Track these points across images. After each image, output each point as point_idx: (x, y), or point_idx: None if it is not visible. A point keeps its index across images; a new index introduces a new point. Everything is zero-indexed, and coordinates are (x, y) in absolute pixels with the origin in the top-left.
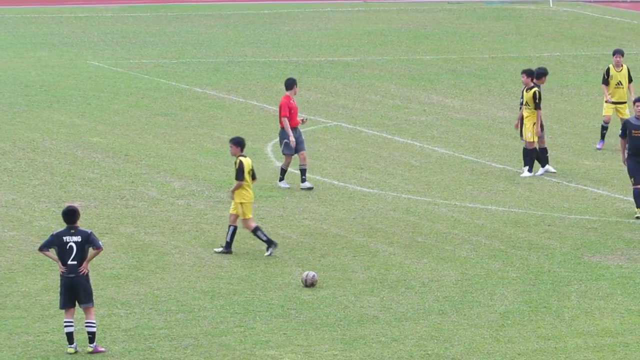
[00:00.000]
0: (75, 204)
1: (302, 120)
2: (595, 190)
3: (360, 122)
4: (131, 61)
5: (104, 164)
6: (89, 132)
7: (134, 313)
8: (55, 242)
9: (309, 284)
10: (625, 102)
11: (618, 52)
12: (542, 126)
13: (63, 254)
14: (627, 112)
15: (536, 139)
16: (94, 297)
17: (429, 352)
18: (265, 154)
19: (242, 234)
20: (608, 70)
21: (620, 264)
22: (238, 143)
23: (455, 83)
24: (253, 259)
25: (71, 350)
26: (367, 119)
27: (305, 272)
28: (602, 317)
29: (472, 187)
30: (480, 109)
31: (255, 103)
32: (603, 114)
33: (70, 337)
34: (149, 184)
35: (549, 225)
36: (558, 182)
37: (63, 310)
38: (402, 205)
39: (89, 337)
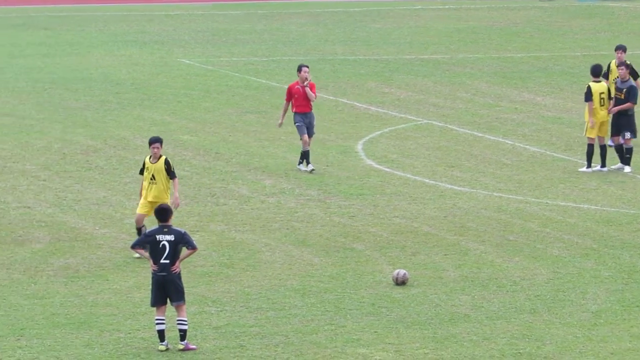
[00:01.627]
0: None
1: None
2: None
3: (451, 120)
4: (222, 59)
5: (194, 162)
6: (180, 130)
7: (224, 311)
8: (147, 241)
9: (400, 282)
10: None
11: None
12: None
13: (155, 252)
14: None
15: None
16: (185, 295)
17: (521, 351)
18: (356, 151)
19: (333, 232)
20: (608, 66)
21: None
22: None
23: (547, 81)
24: (344, 257)
25: (162, 347)
26: (458, 116)
27: (396, 271)
28: None
29: (564, 186)
30: (572, 107)
31: (345, 101)
32: None
33: (161, 334)
34: (239, 181)
35: None
36: None
37: (154, 308)
38: (493, 204)
39: (180, 335)
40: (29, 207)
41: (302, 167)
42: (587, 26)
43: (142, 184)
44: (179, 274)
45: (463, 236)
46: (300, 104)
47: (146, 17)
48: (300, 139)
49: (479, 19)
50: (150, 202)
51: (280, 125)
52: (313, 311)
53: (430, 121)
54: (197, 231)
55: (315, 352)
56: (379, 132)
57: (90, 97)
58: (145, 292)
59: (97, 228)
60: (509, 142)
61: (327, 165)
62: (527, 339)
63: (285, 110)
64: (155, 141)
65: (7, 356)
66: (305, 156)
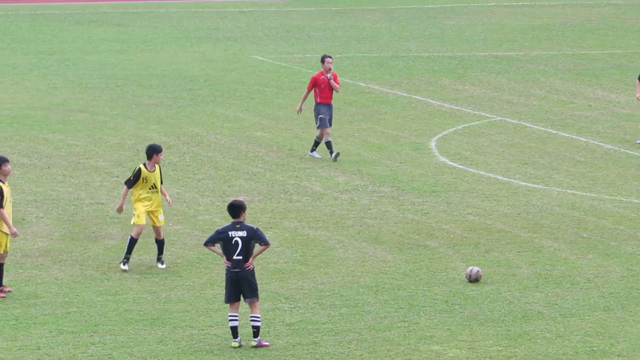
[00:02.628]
0: (240, 198)
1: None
2: None
3: (524, 117)
4: (295, 55)
5: (267, 158)
6: (253, 127)
7: (298, 307)
8: (220, 237)
9: (474, 280)
10: None
11: None
12: None
13: (228, 249)
14: None
15: None
16: (258, 292)
17: (594, 349)
18: (430, 148)
19: (407, 229)
20: None
21: None
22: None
23: (621, 78)
24: (417, 254)
25: (235, 344)
26: (531, 114)
27: (470, 268)
28: None
29: (638, 183)
30: None
31: (419, 98)
32: None
33: (234, 331)
34: (312, 178)
35: None
36: None
37: (228, 305)
38: (567, 201)
39: (254, 332)
40: (102, 204)
41: (316, 154)
42: None
43: (127, 192)
44: (253, 270)
45: (536, 233)
46: (325, 95)
47: (219, 14)
48: (318, 129)
49: (553, 16)
50: (151, 212)
51: (300, 111)
52: (386, 308)
53: (504, 118)
54: (270, 228)
55: (388, 349)
56: (452, 129)
57: (164, 93)
58: (219, 288)
59: (170, 224)
60: (583, 139)
61: (401, 162)
62: (600, 337)
63: (305, 98)
64: (161, 149)
65: (80, 352)
66: (329, 146)
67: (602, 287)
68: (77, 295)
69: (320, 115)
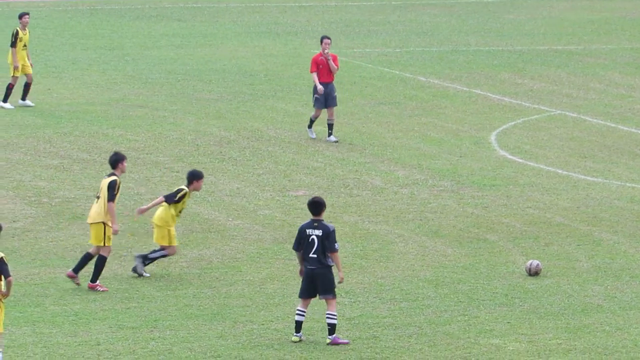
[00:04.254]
0: (300, 193)
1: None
2: None
3: (584, 111)
4: (355, 50)
5: (328, 153)
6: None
7: (358, 302)
8: (301, 236)
9: (533, 273)
10: None
11: None
12: None
13: (305, 246)
14: None
15: None
16: (335, 290)
17: None
18: (490, 142)
19: (467, 223)
20: None
21: None
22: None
23: None
24: (477, 247)
25: (296, 339)
26: (591, 107)
27: (530, 261)
28: None
29: None
30: None
31: (479, 92)
32: None
33: (298, 325)
34: (372, 172)
35: None
36: None
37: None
38: (626, 194)
39: (329, 329)
40: None
41: (312, 133)
42: None
43: (169, 214)
44: (330, 268)
45: (596, 227)
46: (323, 74)
47: (279, 9)
48: (317, 110)
49: (613, 9)
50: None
51: (322, 91)
52: (446, 302)
53: (563, 112)
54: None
55: (448, 342)
56: (512, 123)
57: (224, 88)
58: (279, 283)
59: (230, 219)
60: None
61: (460, 156)
62: None
63: (316, 79)
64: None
65: (140, 348)
66: (330, 127)
67: None
68: (137, 291)
69: (316, 96)
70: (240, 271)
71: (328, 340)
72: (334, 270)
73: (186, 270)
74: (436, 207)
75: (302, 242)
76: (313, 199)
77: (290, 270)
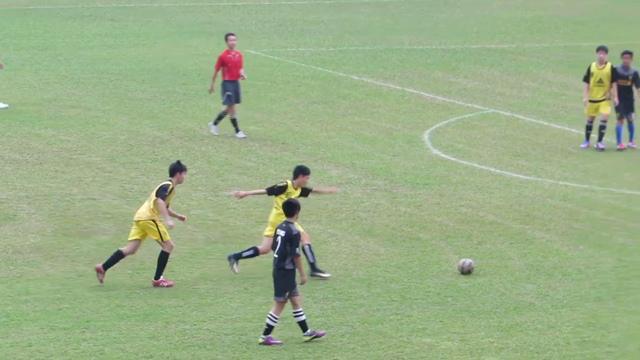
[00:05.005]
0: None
1: (242, 76)
2: None
3: (517, 109)
4: (288, 49)
5: (261, 152)
6: (246, 121)
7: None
8: (274, 235)
9: (466, 272)
10: (604, 100)
11: (601, 49)
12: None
13: (274, 244)
14: (609, 109)
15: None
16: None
17: (586, 339)
18: (423, 141)
19: (400, 222)
20: (589, 68)
21: None
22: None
23: None
24: (410, 246)
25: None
26: (524, 106)
27: (462, 260)
28: None
29: (630, 174)
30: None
31: (412, 91)
32: (585, 113)
33: (302, 325)
34: None
35: None
36: None
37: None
38: (559, 192)
39: (265, 329)
40: (94, 199)
41: (214, 130)
42: None
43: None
44: (287, 271)
45: (529, 225)
46: (232, 73)
47: (212, 8)
48: (227, 106)
49: (546, 8)
50: None
51: (211, 90)
52: (379, 301)
53: (496, 110)
54: (264, 222)
55: (380, 341)
56: (445, 122)
57: (157, 88)
58: (211, 283)
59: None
60: (575, 130)
61: (394, 155)
62: (592, 327)
63: (214, 77)
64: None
65: (72, 349)
66: (234, 123)
67: (594, 277)
68: (69, 292)
69: (228, 93)
70: (173, 271)
71: (261, 340)
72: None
73: (118, 270)
74: (369, 206)
75: (274, 242)
76: (287, 200)
77: (222, 270)
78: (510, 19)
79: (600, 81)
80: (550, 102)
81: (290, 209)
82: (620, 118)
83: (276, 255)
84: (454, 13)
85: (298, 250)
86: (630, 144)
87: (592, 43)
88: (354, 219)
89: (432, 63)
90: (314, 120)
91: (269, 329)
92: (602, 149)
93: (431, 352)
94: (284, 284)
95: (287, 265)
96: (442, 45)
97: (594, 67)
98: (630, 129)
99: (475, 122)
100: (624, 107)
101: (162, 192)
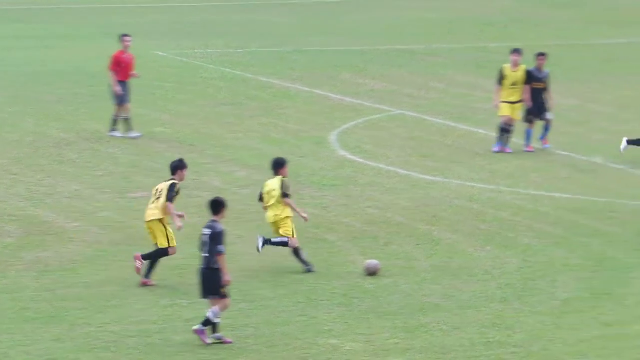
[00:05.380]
0: (139, 194)
1: (135, 75)
2: None
3: (424, 110)
4: (196, 51)
5: (168, 154)
6: (154, 122)
7: (196, 303)
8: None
9: (372, 273)
10: (519, 102)
11: (516, 52)
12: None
13: (201, 244)
14: (519, 114)
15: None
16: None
17: (491, 340)
18: (330, 143)
19: (306, 223)
20: (502, 70)
21: None
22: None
23: None
24: (316, 247)
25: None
26: (431, 107)
27: (368, 261)
28: None
29: (537, 175)
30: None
31: (320, 92)
32: (499, 114)
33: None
34: (212, 173)
35: (612, 212)
36: (622, 169)
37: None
38: (466, 193)
39: (204, 320)
40: (0, 202)
41: (118, 134)
42: (560, 16)
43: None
44: (217, 270)
45: (435, 226)
46: (124, 73)
47: (120, 10)
48: (119, 107)
49: (454, 9)
50: None
51: (119, 91)
52: (285, 303)
53: (404, 112)
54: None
55: (286, 343)
56: (353, 123)
57: (63, 90)
58: (116, 286)
59: (68, 222)
60: (482, 131)
61: (301, 157)
62: (497, 328)
63: (114, 78)
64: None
65: None
66: (128, 123)
67: (499, 278)
68: None
69: (123, 93)
70: (78, 274)
71: (196, 327)
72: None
73: (23, 273)
74: None
75: (201, 242)
76: (213, 198)
77: (128, 273)
78: (419, 20)
79: (515, 84)
80: (458, 103)
81: (216, 207)
82: (531, 121)
83: (206, 255)
84: (362, 14)
85: (222, 247)
86: (542, 142)
87: (500, 44)
88: (261, 220)
89: (340, 65)
90: (222, 121)
91: (207, 321)
92: (510, 152)
93: (336, 354)
94: (213, 283)
95: (215, 265)
96: (350, 46)
97: (507, 70)
98: (547, 128)
99: (383, 124)
100: (538, 109)
101: (171, 194)
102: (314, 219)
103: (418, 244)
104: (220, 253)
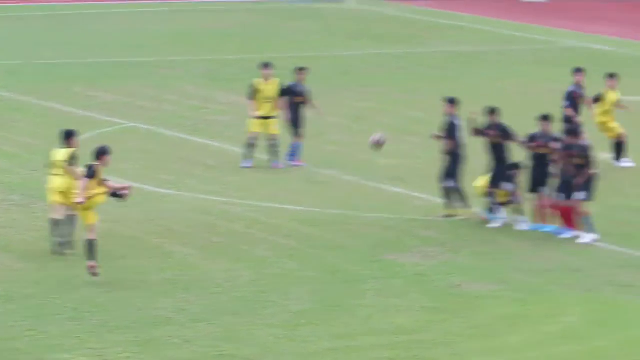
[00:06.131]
0: None
1: None
2: (392, 188)
3: (158, 123)
4: None
5: None
6: None
7: None
8: None
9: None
10: (273, 117)
11: (268, 66)
12: None
13: None
14: (277, 128)
15: None
16: None
17: (223, 353)
18: None
19: (37, 237)
20: (254, 85)
21: (415, 261)
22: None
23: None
24: (48, 261)
25: None
26: (165, 119)
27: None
28: (397, 314)
29: (271, 187)
30: None
31: (53, 105)
32: (250, 131)
33: None
34: None
35: (345, 224)
36: (355, 181)
37: None
38: (198, 206)
39: None
40: None
41: None
42: (299, 27)
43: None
44: None
45: (167, 239)
46: None
47: None
48: None
49: (193, 21)
50: None
51: None
52: (14, 317)
53: (136, 124)
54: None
55: (15, 358)
56: (87, 135)
57: None
58: None
59: None
60: (216, 144)
61: (33, 170)
62: (229, 341)
63: None
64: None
65: None
66: None
67: (232, 291)
68: None
69: None
70: None
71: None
72: None
73: None
74: (6, 222)
75: None
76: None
77: None
78: (154, 32)
79: (268, 98)
80: (191, 115)
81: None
82: (297, 135)
83: None
84: (98, 26)
85: None
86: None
87: (235, 56)
88: None
89: (72, 77)
90: None
91: None
92: (282, 167)
93: None
94: None
95: None
96: (82, 58)
97: (260, 84)
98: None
99: (116, 136)
100: (298, 123)
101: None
102: (45, 232)
103: (150, 258)
104: None
